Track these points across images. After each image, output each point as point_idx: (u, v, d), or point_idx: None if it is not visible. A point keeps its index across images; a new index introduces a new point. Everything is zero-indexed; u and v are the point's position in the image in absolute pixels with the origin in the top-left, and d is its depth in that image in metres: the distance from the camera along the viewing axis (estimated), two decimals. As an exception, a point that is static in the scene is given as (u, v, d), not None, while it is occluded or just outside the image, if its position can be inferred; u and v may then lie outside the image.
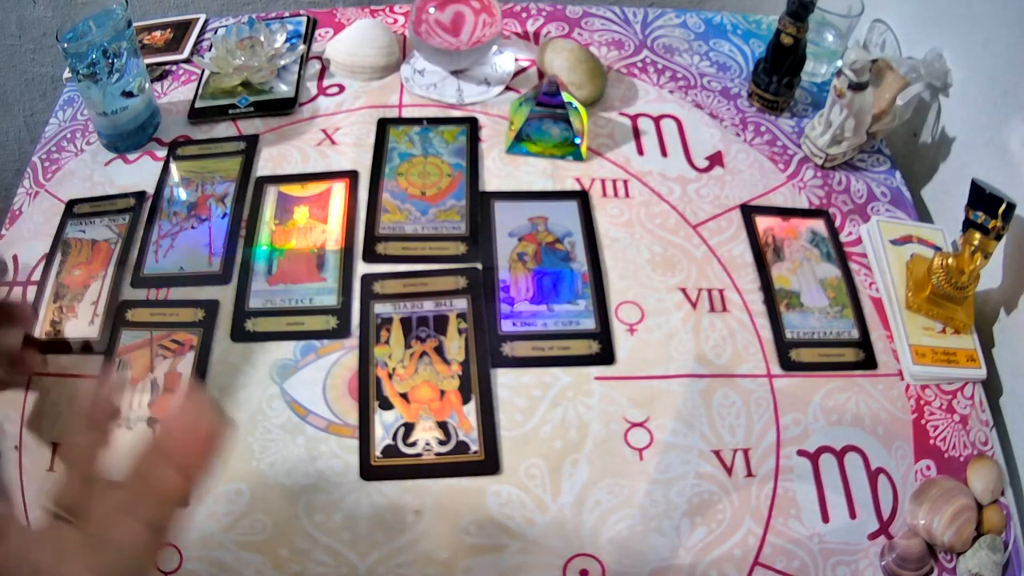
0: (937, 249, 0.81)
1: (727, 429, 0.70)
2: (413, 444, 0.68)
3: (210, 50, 0.97)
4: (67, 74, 0.98)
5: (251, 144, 0.88)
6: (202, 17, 1.04)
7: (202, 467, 0.47)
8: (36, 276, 0.79)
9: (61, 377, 0.72)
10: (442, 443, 0.68)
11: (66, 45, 0.78)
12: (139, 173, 0.87)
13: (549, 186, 0.86)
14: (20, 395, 0.71)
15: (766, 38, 1.01)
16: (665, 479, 0.68)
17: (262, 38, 0.94)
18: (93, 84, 0.81)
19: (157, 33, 1.03)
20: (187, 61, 0.99)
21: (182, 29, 1.03)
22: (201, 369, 0.72)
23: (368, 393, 0.71)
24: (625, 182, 0.86)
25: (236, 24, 0.96)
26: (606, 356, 0.73)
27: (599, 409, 0.71)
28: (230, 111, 0.91)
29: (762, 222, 0.84)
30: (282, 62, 0.95)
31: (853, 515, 0.68)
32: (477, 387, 0.71)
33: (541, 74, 0.97)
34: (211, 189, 0.85)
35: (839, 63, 0.91)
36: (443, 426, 0.69)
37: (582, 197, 0.84)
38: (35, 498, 0.67)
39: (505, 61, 0.98)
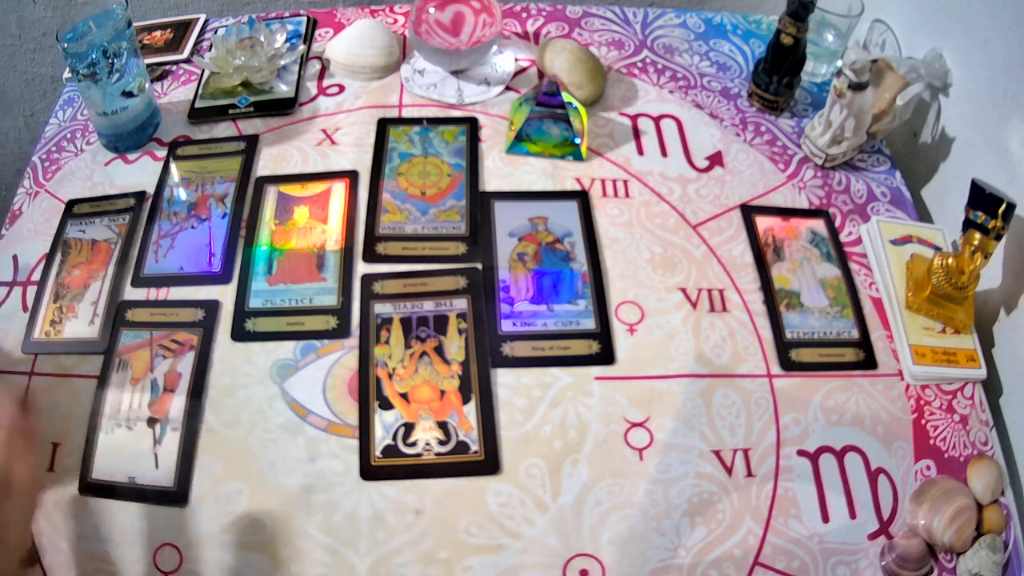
0: (937, 249, 0.81)
1: (727, 429, 0.70)
2: (413, 444, 0.68)
3: (210, 50, 0.97)
4: (67, 74, 0.98)
5: (251, 144, 0.88)
6: (202, 17, 1.04)
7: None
8: (36, 276, 0.79)
9: (61, 377, 0.72)
10: (442, 443, 0.68)
11: (66, 45, 0.78)
12: (139, 173, 0.87)
13: (549, 186, 0.86)
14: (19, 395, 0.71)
15: (766, 38, 1.01)
16: (665, 479, 0.68)
17: (262, 38, 0.94)
18: (93, 84, 0.81)
19: (157, 33, 1.03)
20: (187, 61, 0.99)
21: (182, 29, 1.03)
22: (201, 369, 0.72)
23: (368, 393, 0.71)
24: (625, 182, 0.86)
25: (236, 24, 0.96)
26: (606, 356, 0.73)
27: (599, 409, 0.71)
28: (230, 111, 0.91)
29: (762, 222, 0.84)
30: (282, 62, 0.95)
31: (853, 515, 0.68)
32: (477, 387, 0.71)
33: (541, 74, 0.97)
34: (211, 189, 0.85)
35: (839, 63, 0.91)
36: (443, 426, 0.69)
37: (582, 197, 0.84)
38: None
39: (505, 61, 0.98)
